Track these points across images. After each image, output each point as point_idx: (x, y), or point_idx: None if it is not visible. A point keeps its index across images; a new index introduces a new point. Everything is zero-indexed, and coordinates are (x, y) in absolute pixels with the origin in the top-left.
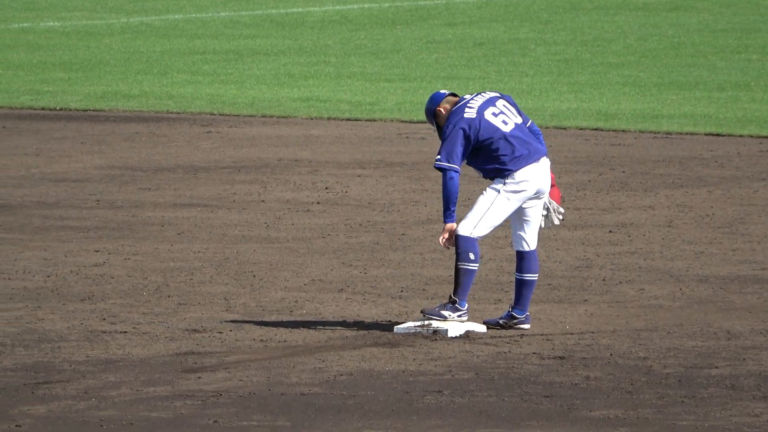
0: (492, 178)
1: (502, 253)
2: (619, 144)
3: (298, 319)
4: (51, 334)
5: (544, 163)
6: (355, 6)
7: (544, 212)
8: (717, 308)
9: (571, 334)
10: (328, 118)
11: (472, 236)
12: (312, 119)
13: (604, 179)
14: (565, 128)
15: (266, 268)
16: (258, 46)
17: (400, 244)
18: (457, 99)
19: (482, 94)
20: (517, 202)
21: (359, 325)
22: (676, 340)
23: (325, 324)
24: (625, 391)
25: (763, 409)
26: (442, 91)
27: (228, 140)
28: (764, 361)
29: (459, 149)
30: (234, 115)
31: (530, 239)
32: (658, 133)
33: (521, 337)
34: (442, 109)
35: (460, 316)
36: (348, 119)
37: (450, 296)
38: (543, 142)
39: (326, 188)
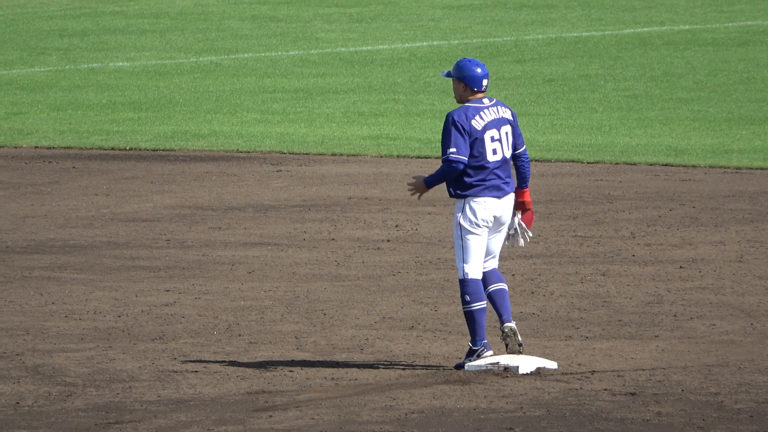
0: (453, 196)
1: (573, 290)
2: (689, 179)
3: (369, 357)
4: (122, 374)
5: (508, 198)
6: (424, 43)
7: (512, 232)
8: None
9: (642, 370)
10: (398, 156)
11: (468, 278)
12: (381, 157)
13: (674, 215)
14: (634, 164)
15: (337, 306)
16: (327, 85)
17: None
18: (477, 95)
19: (498, 107)
20: (484, 231)
21: (430, 362)
22: (748, 376)
23: (395, 362)
24: (696, 426)
25: None
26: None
27: (298, 179)
28: None
29: (461, 140)
30: (303, 154)
31: (492, 261)
32: (728, 168)
33: (592, 374)
34: (462, 87)
35: (478, 356)
36: (418, 157)
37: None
38: (528, 170)
39: (396, 226)
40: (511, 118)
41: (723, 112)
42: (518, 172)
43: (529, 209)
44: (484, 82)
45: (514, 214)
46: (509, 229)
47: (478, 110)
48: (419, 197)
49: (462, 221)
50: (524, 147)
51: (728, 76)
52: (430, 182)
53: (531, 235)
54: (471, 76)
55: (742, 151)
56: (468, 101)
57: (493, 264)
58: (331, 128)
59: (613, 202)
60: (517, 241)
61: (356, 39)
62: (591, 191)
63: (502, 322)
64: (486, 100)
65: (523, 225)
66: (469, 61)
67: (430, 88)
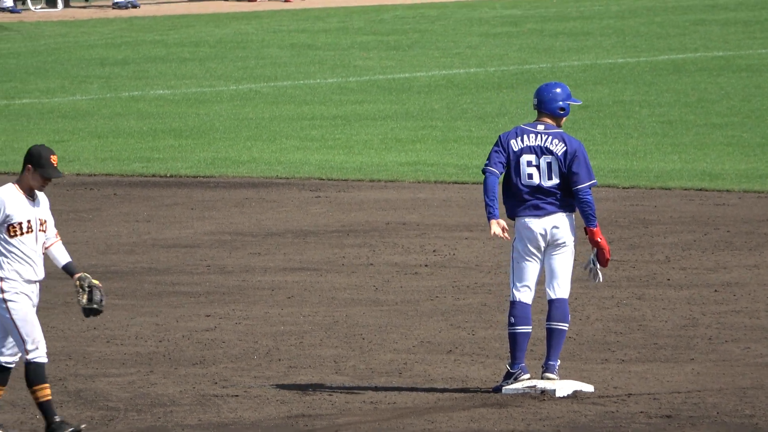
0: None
1: (609, 314)
2: (724, 204)
3: (407, 380)
4: (163, 399)
5: (551, 218)
6: (461, 70)
7: (589, 267)
8: None
9: (678, 392)
10: (435, 182)
11: (515, 300)
12: (419, 183)
13: (708, 239)
14: (669, 189)
15: (375, 330)
16: (365, 112)
17: (507, 306)
18: (539, 118)
19: (549, 136)
20: (527, 253)
21: (468, 386)
22: None
23: (434, 385)
24: None
25: None
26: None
27: (336, 204)
28: None
29: (496, 156)
30: (342, 180)
31: (556, 287)
32: (762, 192)
33: (628, 397)
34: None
35: (515, 379)
36: (455, 182)
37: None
38: (586, 209)
39: (434, 251)
40: (559, 153)
41: (757, 137)
42: (579, 210)
43: (599, 247)
44: (534, 102)
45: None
46: (586, 266)
47: (524, 132)
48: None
49: (516, 243)
50: (582, 185)
51: (762, 102)
52: (486, 212)
53: (601, 279)
54: (534, 98)
55: None
56: (533, 122)
57: (559, 292)
58: (369, 154)
59: (648, 226)
60: (595, 276)
61: (393, 66)
62: (626, 216)
63: (544, 367)
64: (540, 126)
65: (596, 262)
66: (543, 86)
67: (467, 114)
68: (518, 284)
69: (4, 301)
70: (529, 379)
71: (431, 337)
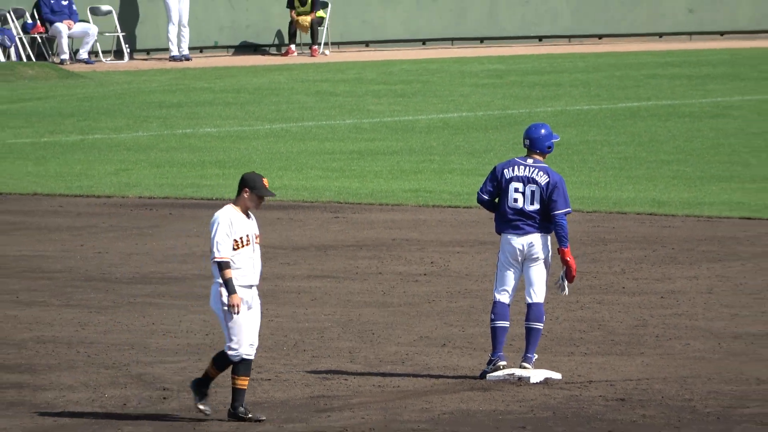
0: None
1: (574, 315)
2: (669, 226)
3: (409, 368)
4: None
5: (529, 237)
6: (455, 114)
7: (560, 281)
8: (749, 359)
9: (630, 380)
10: (433, 206)
11: (496, 300)
12: (419, 206)
13: (656, 255)
14: (625, 213)
15: (383, 327)
16: (376, 148)
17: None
18: (529, 153)
19: (536, 169)
20: (508, 263)
21: (458, 373)
22: (716, 385)
23: (430, 373)
24: (673, 427)
25: None
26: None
27: (352, 224)
28: None
29: (488, 183)
30: (357, 203)
31: (532, 293)
32: (701, 217)
33: (590, 383)
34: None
35: (493, 365)
36: (449, 206)
37: None
38: (560, 232)
39: (431, 263)
40: (543, 183)
41: (697, 172)
42: (555, 232)
43: (568, 266)
44: (525, 142)
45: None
46: (556, 282)
47: (516, 164)
48: None
49: (500, 254)
50: (558, 212)
51: (702, 142)
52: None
53: (567, 291)
54: (524, 137)
55: (712, 203)
56: (522, 157)
57: (535, 298)
58: (379, 183)
59: (607, 244)
60: (562, 290)
61: (400, 110)
62: (589, 235)
63: (523, 358)
64: (530, 160)
65: (565, 278)
66: (532, 126)
67: (460, 150)
68: (499, 288)
69: (224, 304)
70: (505, 365)
71: (429, 333)
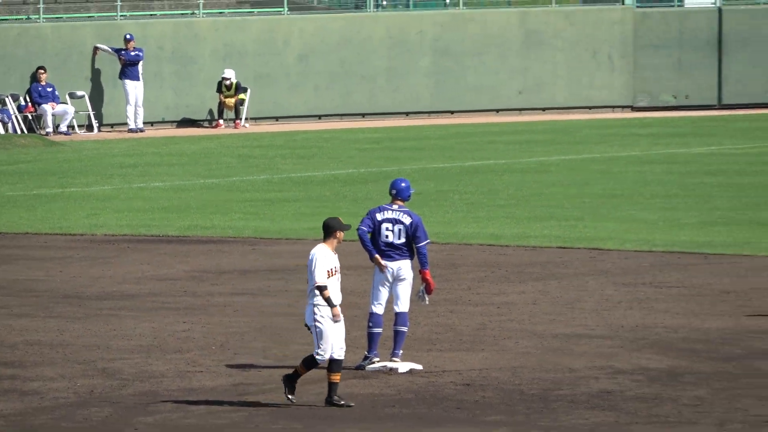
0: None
1: (432, 321)
2: (504, 254)
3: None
4: (156, 373)
5: (398, 263)
6: (343, 171)
7: (419, 296)
8: (563, 354)
9: (474, 370)
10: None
11: (371, 311)
12: (316, 240)
13: (494, 275)
14: (471, 244)
15: (288, 331)
16: (283, 197)
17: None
18: (394, 201)
19: (401, 213)
20: (381, 283)
21: (345, 366)
22: (538, 374)
23: (323, 366)
24: (506, 404)
25: (590, 415)
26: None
27: (265, 254)
28: (593, 386)
29: (367, 220)
30: (269, 239)
31: (400, 304)
32: (528, 246)
33: (443, 372)
34: (403, 198)
35: (369, 361)
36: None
37: None
38: (422, 259)
39: None
40: (407, 223)
41: (525, 213)
42: (418, 258)
43: (428, 283)
44: (393, 192)
45: (422, 285)
46: (417, 294)
47: (385, 209)
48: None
49: (375, 276)
50: (421, 244)
51: (528, 191)
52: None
53: (427, 302)
54: (390, 188)
55: (536, 236)
56: (389, 203)
57: (402, 308)
58: (285, 223)
59: (457, 267)
60: (422, 300)
61: (301, 168)
62: (444, 261)
63: (392, 354)
64: (395, 206)
65: (425, 292)
66: (396, 179)
67: (347, 198)
68: (375, 302)
69: (315, 320)
70: (380, 361)
71: None
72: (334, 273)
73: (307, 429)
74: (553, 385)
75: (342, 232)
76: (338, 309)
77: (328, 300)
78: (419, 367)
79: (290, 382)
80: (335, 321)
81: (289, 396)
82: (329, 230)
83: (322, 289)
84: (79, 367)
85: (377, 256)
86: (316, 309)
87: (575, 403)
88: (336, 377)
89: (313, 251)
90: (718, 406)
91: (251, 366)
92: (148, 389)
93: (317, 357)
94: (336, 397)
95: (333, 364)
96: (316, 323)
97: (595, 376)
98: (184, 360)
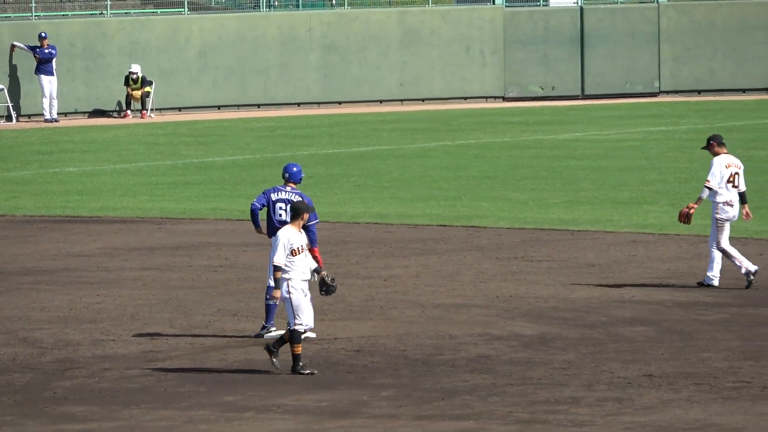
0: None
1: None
2: (389, 231)
3: (211, 331)
4: (72, 342)
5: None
6: (240, 157)
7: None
8: (444, 322)
9: (363, 337)
10: (226, 219)
11: (269, 284)
12: (217, 220)
13: (380, 251)
14: (358, 222)
15: (193, 303)
16: (186, 180)
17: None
18: (285, 183)
19: (293, 194)
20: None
21: (245, 334)
22: (422, 340)
23: (226, 333)
24: (393, 368)
25: (469, 377)
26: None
27: (170, 232)
28: (471, 351)
29: (261, 198)
30: (174, 218)
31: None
32: (411, 224)
33: (335, 339)
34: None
35: (267, 330)
36: (238, 219)
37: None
38: (312, 237)
39: (226, 258)
40: (295, 202)
41: (408, 194)
42: (308, 237)
43: (317, 260)
44: (286, 175)
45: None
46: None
47: (279, 190)
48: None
49: (272, 252)
50: (311, 223)
51: (411, 174)
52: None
53: (316, 279)
54: (283, 171)
55: (418, 215)
56: (282, 185)
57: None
58: (189, 204)
59: (347, 244)
60: (313, 278)
61: (202, 154)
62: (334, 238)
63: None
64: (289, 187)
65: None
66: (288, 164)
67: (245, 182)
68: (272, 276)
69: (289, 292)
70: (276, 330)
71: (224, 307)
72: (302, 250)
73: (210, 392)
74: (436, 351)
75: (307, 214)
76: (279, 292)
77: (276, 281)
78: (313, 335)
79: (273, 349)
80: (276, 302)
81: (274, 360)
82: (297, 212)
83: (276, 269)
84: (1, 337)
85: (261, 227)
86: (286, 284)
87: (456, 367)
88: (296, 350)
89: (278, 233)
90: (586, 369)
91: (159, 335)
92: (65, 356)
93: (297, 327)
94: (300, 365)
95: (292, 335)
96: (290, 296)
97: (473, 342)
98: (98, 329)
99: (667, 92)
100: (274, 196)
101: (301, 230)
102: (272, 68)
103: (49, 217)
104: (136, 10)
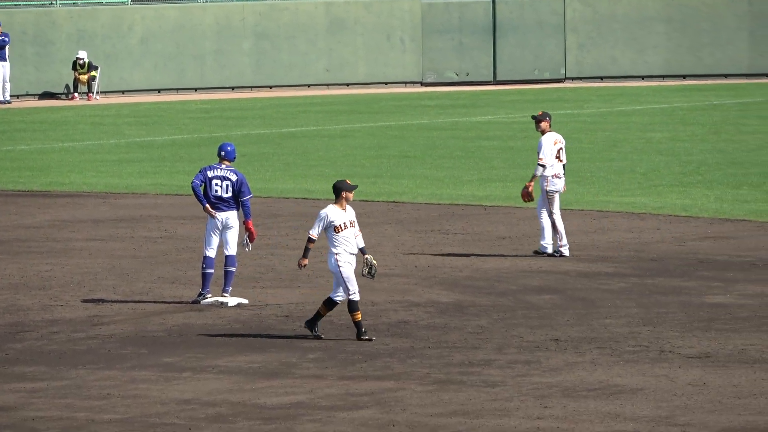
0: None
1: (258, 263)
2: (315, 206)
3: (152, 297)
4: (23, 307)
5: (225, 213)
6: (178, 137)
7: (244, 242)
8: (367, 289)
9: (292, 303)
10: (166, 194)
11: (205, 255)
12: (158, 195)
13: (308, 224)
14: (288, 198)
15: (134, 271)
16: (130, 158)
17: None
18: (222, 161)
19: (228, 171)
20: (213, 230)
21: (183, 299)
22: (345, 306)
23: (165, 300)
24: (321, 333)
25: (390, 341)
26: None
27: (114, 206)
28: (392, 317)
29: (199, 176)
30: (117, 193)
31: (229, 248)
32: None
33: (266, 306)
34: (229, 159)
35: (203, 297)
36: (177, 194)
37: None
38: (246, 210)
39: (165, 230)
40: (233, 180)
41: (333, 171)
42: (242, 210)
43: (251, 232)
44: (221, 154)
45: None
46: (242, 242)
47: (215, 168)
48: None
49: (207, 225)
50: (245, 198)
51: (335, 153)
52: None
53: (250, 248)
54: (219, 150)
55: (380, 193)
56: (218, 163)
57: (230, 251)
58: (132, 180)
59: (277, 217)
60: (247, 247)
61: (144, 134)
62: (265, 212)
63: (222, 290)
64: (224, 165)
65: (248, 240)
66: (223, 143)
67: (183, 159)
68: (207, 247)
69: (338, 266)
70: (212, 296)
71: (164, 275)
72: (346, 226)
73: (151, 353)
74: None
75: (349, 192)
76: (305, 260)
77: (305, 250)
78: (246, 301)
79: (313, 323)
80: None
81: (315, 331)
82: (338, 192)
83: (309, 239)
84: None
85: (207, 206)
86: (336, 257)
87: (377, 331)
88: (357, 317)
89: (321, 211)
90: (497, 333)
91: (103, 301)
92: (16, 320)
93: (352, 297)
94: (363, 331)
95: (351, 304)
96: (340, 269)
97: (393, 309)
98: (47, 296)
99: (572, 78)
100: (210, 174)
101: (346, 208)
102: (208, 54)
103: (2, 191)
104: (84, 1)
